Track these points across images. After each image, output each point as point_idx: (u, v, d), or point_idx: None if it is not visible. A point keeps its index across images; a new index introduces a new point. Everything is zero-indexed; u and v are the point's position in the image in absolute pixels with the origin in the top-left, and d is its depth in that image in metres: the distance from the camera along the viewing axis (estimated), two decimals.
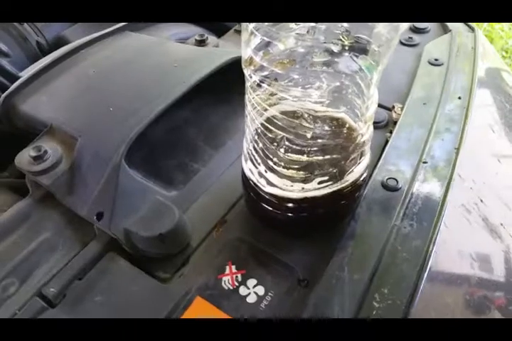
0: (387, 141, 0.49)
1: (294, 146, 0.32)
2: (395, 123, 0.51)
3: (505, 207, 0.48)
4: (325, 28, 0.28)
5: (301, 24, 0.28)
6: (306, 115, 0.30)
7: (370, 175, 0.43)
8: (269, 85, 0.30)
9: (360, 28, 0.28)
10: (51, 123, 0.45)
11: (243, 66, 0.31)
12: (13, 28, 0.69)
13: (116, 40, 0.57)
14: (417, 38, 0.68)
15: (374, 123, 0.36)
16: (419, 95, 0.55)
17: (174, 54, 0.54)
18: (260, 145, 0.34)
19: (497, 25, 2.02)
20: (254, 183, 0.37)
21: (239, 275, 0.38)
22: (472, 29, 0.69)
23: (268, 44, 0.29)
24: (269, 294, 0.36)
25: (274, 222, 0.40)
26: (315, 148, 0.32)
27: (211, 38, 0.62)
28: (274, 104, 0.31)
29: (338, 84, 0.29)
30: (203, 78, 0.47)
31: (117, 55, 0.53)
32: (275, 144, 0.33)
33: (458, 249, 0.41)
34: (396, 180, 0.43)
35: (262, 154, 0.34)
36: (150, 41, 0.57)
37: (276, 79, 0.29)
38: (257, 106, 0.32)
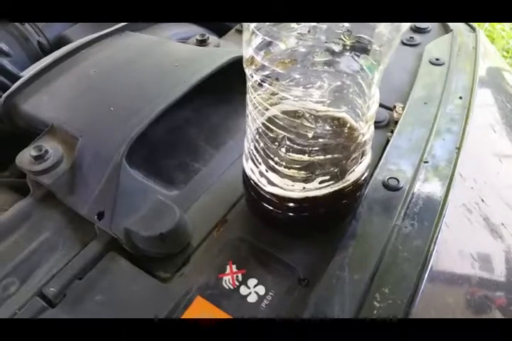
0: (388, 141, 0.49)
1: (295, 146, 0.32)
2: (396, 122, 0.51)
3: (507, 206, 0.48)
4: (326, 27, 0.28)
5: (303, 24, 0.28)
6: (307, 115, 0.30)
7: (371, 175, 0.43)
8: (270, 85, 0.30)
9: (361, 28, 0.28)
10: (52, 122, 0.45)
11: (244, 65, 0.31)
12: (14, 27, 0.69)
13: (117, 39, 0.57)
14: (418, 37, 0.68)
15: (375, 122, 0.36)
16: (420, 95, 0.55)
17: (175, 54, 0.54)
18: (261, 144, 0.34)
19: (498, 25, 2.02)
20: (255, 183, 0.37)
21: (239, 275, 0.38)
22: (473, 29, 0.69)
23: (269, 43, 0.29)
24: (270, 294, 0.36)
25: (274, 221, 0.40)
26: (316, 148, 0.32)
27: (212, 38, 0.62)
28: (276, 104, 0.31)
29: (339, 83, 0.29)
30: (204, 78, 0.47)
31: (118, 54, 0.53)
32: (276, 144, 0.33)
33: (459, 248, 0.41)
34: (397, 179, 0.43)
35: (263, 154, 0.34)
36: (151, 41, 0.57)
37: (277, 79, 0.29)
38: (258, 106, 0.32)
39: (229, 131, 0.52)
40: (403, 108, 0.53)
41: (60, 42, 0.73)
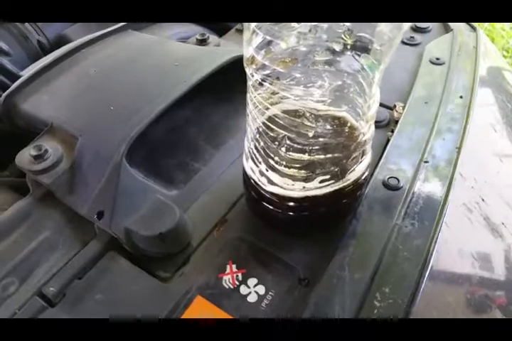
0: (388, 140, 0.49)
1: (296, 145, 0.32)
2: (397, 122, 0.51)
3: (507, 206, 0.48)
4: (327, 26, 0.27)
5: (303, 23, 0.28)
6: (307, 114, 0.30)
7: (371, 174, 0.43)
8: (270, 84, 0.29)
9: (362, 27, 0.28)
10: (52, 122, 0.45)
11: (245, 65, 0.31)
12: (13, 26, 0.69)
13: (117, 39, 0.57)
14: (418, 37, 0.68)
15: (375, 122, 0.35)
16: (420, 94, 0.55)
17: (175, 53, 0.54)
18: (261, 144, 0.34)
19: (498, 25, 2.02)
20: (255, 182, 0.36)
21: (239, 275, 0.37)
22: (474, 28, 0.69)
23: (270, 43, 0.29)
24: (270, 293, 0.36)
25: (275, 221, 0.40)
26: (316, 147, 0.32)
27: (212, 37, 0.62)
28: (276, 103, 0.31)
29: (340, 83, 0.29)
30: (204, 77, 0.47)
31: (118, 54, 0.53)
32: (276, 143, 0.32)
33: (459, 248, 0.41)
34: (397, 179, 0.43)
35: (263, 153, 0.34)
36: (151, 40, 0.57)
37: (278, 78, 0.29)
38: (258, 105, 0.32)
39: (229, 130, 0.52)
40: (403, 107, 0.53)
41: (60, 41, 0.73)
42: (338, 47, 0.28)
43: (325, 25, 0.27)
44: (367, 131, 0.33)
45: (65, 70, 0.51)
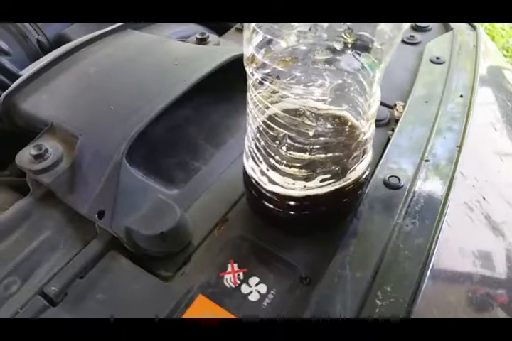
0: (388, 139, 0.49)
1: (296, 144, 0.32)
2: (397, 121, 0.51)
3: (508, 204, 0.48)
4: (327, 25, 0.27)
5: None
6: (308, 113, 0.30)
7: (372, 173, 0.43)
8: (271, 83, 0.29)
9: (362, 26, 0.28)
10: (52, 121, 0.45)
11: (245, 64, 0.31)
12: (13, 26, 0.69)
13: (116, 38, 0.57)
14: (418, 36, 0.68)
15: (376, 121, 0.35)
16: (420, 93, 0.55)
17: (175, 52, 0.54)
18: (262, 143, 0.34)
19: (498, 24, 2.01)
20: (256, 181, 0.36)
21: (241, 274, 0.37)
22: (474, 27, 0.69)
23: (270, 42, 0.29)
24: (272, 292, 0.36)
25: (275, 220, 0.40)
26: (317, 146, 0.32)
27: (212, 36, 0.62)
28: (276, 102, 0.31)
29: (340, 82, 0.29)
30: (204, 76, 0.47)
31: (118, 53, 0.53)
32: (277, 142, 0.32)
33: (460, 246, 0.41)
34: (398, 178, 0.43)
35: (263, 152, 0.34)
36: (151, 39, 0.57)
37: (278, 77, 0.29)
38: (258, 104, 0.32)
39: (229, 129, 0.52)
40: (404, 106, 0.53)
41: (60, 40, 0.73)
42: (338, 46, 0.28)
43: (325, 24, 0.27)
44: (367, 130, 0.33)
45: (64, 70, 0.51)
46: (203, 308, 0.35)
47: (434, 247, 0.37)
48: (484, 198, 0.45)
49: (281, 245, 0.39)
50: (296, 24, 0.28)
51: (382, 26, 0.28)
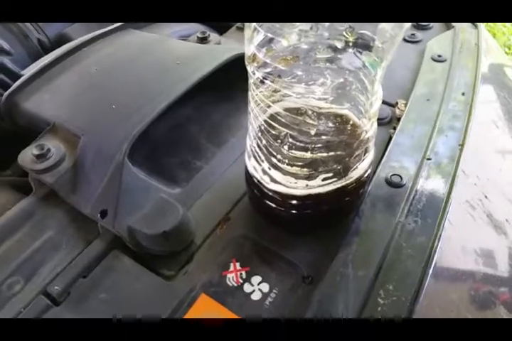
0: (390, 138, 0.49)
1: (298, 143, 0.32)
2: (399, 119, 0.51)
3: (510, 202, 0.48)
4: (328, 24, 0.27)
5: None
6: (309, 112, 0.30)
7: (374, 172, 0.43)
8: (272, 82, 0.29)
9: (364, 25, 0.28)
10: (54, 121, 0.45)
11: (246, 63, 0.31)
12: (14, 25, 0.69)
13: (118, 37, 0.57)
14: (419, 34, 0.67)
15: (377, 119, 0.35)
16: (422, 91, 0.54)
17: (176, 51, 0.54)
18: (264, 142, 0.34)
19: None
20: (258, 180, 0.36)
21: (243, 273, 0.38)
22: (475, 25, 0.69)
23: (271, 40, 0.29)
24: (274, 291, 0.36)
25: (277, 219, 0.40)
26: (319, 145, 0.32)
27: (213, 35, 0.62)
28: (278, 101, 0.31)
29: (341, 80, 0.29)
30: (206, 75, 0.47)
31: (119, 52, 0.53)
32: (279, 141, 0.32)
33: (462, 245, 0.41)
34: (400, 176, 0.43)
35: (265, 151, 0.34)
36: (152, 39, 0.57)
37: (279, 76, 0.29)
38: (260, 103, 0.32)
39: (231, 128, 0.52)
40: (405, 105, 0.53)
41: (61, 40, 0.73)
42: (339, 45, 0.28)
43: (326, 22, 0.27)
44: (369, 128, 0.33)
45: (66, 69, 0.51)
46: (205, 307, 0.35)
47: (437, 245, 0.37)
48: (486, 196, 0.45)
49: (284, 244, 0.39)
50: (297, 23, 0.28)
51: (384, 25, 0.28)
